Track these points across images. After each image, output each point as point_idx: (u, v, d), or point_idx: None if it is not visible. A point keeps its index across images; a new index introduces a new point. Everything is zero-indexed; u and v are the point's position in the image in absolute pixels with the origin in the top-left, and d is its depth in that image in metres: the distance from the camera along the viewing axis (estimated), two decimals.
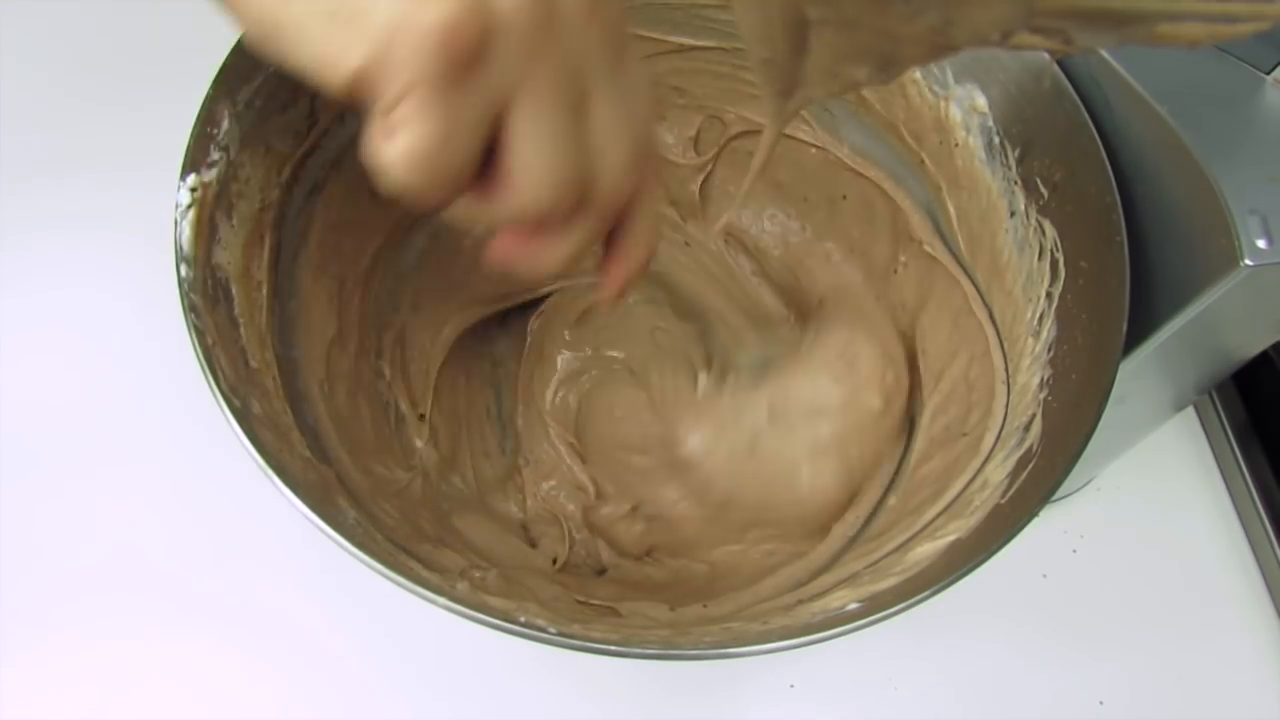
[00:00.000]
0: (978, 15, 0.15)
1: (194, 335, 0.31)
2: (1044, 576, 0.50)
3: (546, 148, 0.23)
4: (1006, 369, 0.39)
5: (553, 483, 0.48)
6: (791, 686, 0.45)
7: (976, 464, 0.37)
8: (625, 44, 0.25)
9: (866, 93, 0.45)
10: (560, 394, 0.50)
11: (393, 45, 0.20)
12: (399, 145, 0.21)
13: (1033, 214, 0.39)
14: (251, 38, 0.23)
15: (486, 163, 0.23)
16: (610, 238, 0.28)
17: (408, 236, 0.47)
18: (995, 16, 0.15)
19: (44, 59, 0.60)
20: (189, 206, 0.33)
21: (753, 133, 0.50)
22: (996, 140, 0.40)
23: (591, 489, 0.47)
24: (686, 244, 0.53)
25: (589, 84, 0.23)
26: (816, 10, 0.16)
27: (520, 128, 0.22)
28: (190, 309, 0.32)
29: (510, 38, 0.21)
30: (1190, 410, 0.57)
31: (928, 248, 0.44)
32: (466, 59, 0.20)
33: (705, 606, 0.39)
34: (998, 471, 0.35)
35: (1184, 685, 0.48)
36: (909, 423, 0.45)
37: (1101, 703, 0.47)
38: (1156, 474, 0.54)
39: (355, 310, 0.43)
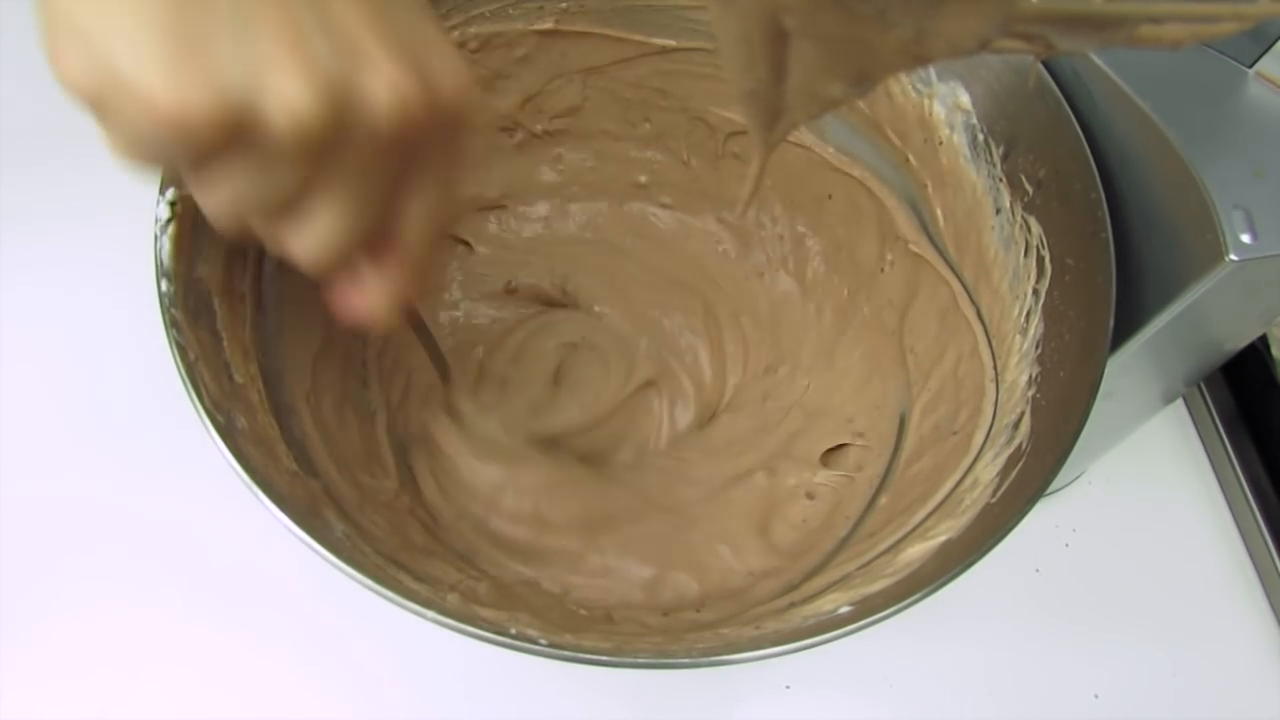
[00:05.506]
0: (952, 27, 0.15)
1: (176, 351, 0.31)
2: (1037, 571, 0.50)
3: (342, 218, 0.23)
4: (995, 366, 0.39)
5: None
6: (787, 687, 0.45)
7: (966, 463, 0.37)
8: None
9: None
10: None
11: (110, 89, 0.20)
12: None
13: (1018, 211, 0.39)
14: None
15: None
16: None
17: None
18: (971, 27, 0.15)
19: (30, 65, 0.60)
20: (169, 221, 0.33)
21: (739, 134, 0.50)
22: (980, 137, 0.40)
23: None
24: None
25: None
26: (793, 20, 0.16)
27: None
28: (172, 324, 0.31)
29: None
30: (1179, 402, 0.57)
31: (914, 246, 0.44)
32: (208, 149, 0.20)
33: (698, 611, 0.39)
34: (988, 470, 0.35)
35: (1178, 675, 0.48)
36: (899, 421, 0.45)
37: (1096, 696, 0.47)
38: (1146, 466, 0.55)
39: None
